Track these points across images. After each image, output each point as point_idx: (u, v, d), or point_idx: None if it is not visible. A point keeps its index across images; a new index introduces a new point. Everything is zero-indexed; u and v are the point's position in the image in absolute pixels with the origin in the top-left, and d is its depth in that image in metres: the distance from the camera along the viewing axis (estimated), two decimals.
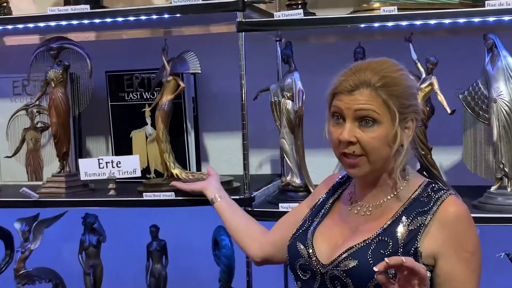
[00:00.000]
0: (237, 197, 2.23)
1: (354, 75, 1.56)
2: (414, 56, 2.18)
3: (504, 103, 2.05)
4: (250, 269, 2.29)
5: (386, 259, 1.32)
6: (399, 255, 1.49)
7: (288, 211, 2.18)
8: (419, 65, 2.17)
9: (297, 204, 2.18)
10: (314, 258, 1.63)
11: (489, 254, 2.23)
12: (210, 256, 2.47)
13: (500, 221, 2.02)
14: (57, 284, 2.73)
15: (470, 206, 2.10)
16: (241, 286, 2.36)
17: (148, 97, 2.67)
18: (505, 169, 2.08)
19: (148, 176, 2.68)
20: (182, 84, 2.35)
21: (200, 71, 2.35)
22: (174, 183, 2.31)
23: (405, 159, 1.59)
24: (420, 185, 1.64)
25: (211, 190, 2.17)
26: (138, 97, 2.69)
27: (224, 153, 2.89)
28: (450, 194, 1.59)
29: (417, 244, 1.53)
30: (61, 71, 2.43)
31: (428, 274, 1.50)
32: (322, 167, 2.64)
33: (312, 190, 2.24)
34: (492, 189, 2.11)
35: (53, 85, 2.43)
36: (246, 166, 2.26)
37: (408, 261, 1.33)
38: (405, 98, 1.56)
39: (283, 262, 1.88)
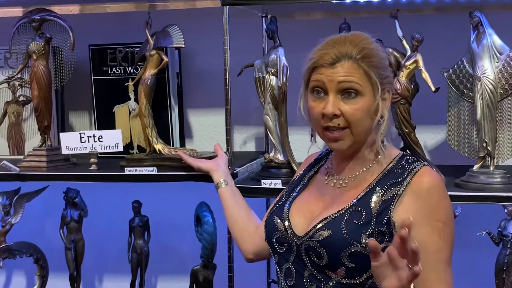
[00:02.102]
0: None
1: (334, 47, 1.57)
2: (400, 33, 2.17)
3: (489, 81, 2.05)
4: (231, 245, 2.28)
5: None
6: (372, 225, 1.53)
7: (270, 188, 2.18)
8: (404, 42, 2.16)
9: (280, 180, 2.19)
10: (290, 230, 1.64)
11: (471, 233, 2.25)
12: (192, 232, 2.47)
13: (482, 200, 2.02)
14: (38, 258, 2.73)
15: (453, 185, 2.11)
16: (222, 262, 2.36)
17: (132, 71, 2.64)
18: (488, 147, 2.07)
19: (131, 151, 2.66)
20: (165, 58, 2.33)
21: (183, 45, 2.32)
22: (180, 153, 2.28)
23: (386, 129, 1.61)
24: (395, 157, 1.65)
25: (219, 174, 2.13)
26: (122, 72, 2.66)
27: (208, 129, 2.87)
28: (424, 165, 1.61)
29: (390, 214, 1.54)
30: (43, 43, 2.40)
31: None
32: (306, 145, 2.63)
33: (294, 167, 2.23)
34: (475, 167, 2.11)
35: (34, 57, 2.40)
36: (229, 142, 2.24)
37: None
38: (382, 69, 1.59)
39: None
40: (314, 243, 1.56)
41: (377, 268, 1.38)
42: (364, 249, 1.51)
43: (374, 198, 1.56)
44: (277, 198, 1.81)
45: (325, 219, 1.58)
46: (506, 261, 2.25)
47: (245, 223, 2.02)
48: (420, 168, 1.59)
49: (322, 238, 1.55)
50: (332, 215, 1.57)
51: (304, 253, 1.59)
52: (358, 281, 1.55)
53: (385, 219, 1.53)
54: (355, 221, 1.54)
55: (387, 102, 1.61)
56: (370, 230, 1.52)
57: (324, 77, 1.56)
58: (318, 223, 1.58)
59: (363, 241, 1.48)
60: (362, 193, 1.59)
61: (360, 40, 1.58)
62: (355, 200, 1.58)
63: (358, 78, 1.54)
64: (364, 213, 1.55)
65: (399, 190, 1.55)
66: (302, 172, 1.83)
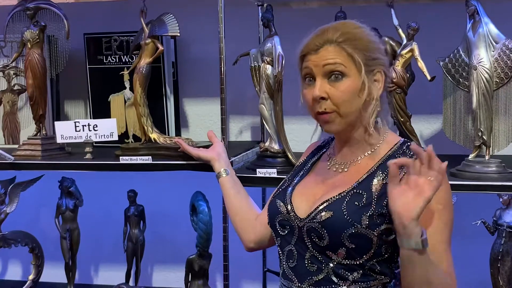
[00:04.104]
0: None
1: (318, 36, 1.63)
2: (396, 21, 2.16)
3: (484, 70, 2.04)
4: (227, 235, 2.28)
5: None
6: (373, 207, 1.57)
7: (265, 177, 2.18)
8: (400, 31, 2.15)
9: (275, 170, 2.18)
10: (293, 213, 1.68)
11: (466, 222, 2.25)
12: (188, 221, 2.46)
13: (477, 189, 2.02)
14: (33, 247, 2.73)
15: (448, 174, 2.10)
16: (218, 251, 2.36)
17: (127, 60, 2.63)
18: (484, 137, 2.07)
19: (126, 140, 2.66)
20: (160, 47, 2.32)
21: (179, 34, 2.31)
22: (180, 141, 2.26)
23: (376, 110, 1.65)
24: (395, 144, 1.69)
25: (220, 163, 2.12)
26: (117, 60, 2.65)
27: (203, 118, 2.87)
28: (425, 150, 1.61)
29: None
30: (37, 32, 2.38)
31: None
32: (302, 134, 2.63)
33: (290, 156, 2.23)
34: (470, 157, 2.11)
35: (29, 46, 2.39)
36: (224, 130, 2.24)
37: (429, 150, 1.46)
38: (369, 51, 1.62)
39: (274, 244, 1.85)
40: (316, 224, 1.60)
41: (394, 189, 1.47)
42: (364, 230, 1.56)
43: (375, 181, 1.61)
44: (280, 183, 1.83)
45: (326, 201, 1.62)
46: (501, 250, 2.26)
47: (246, 212, 2.03)
48: None
49: (323, 219, 1.59)
50: (334, 197, 1.62)
51: (305, 234, 1.63)
52: (358, 262, 1.59)
53: (385, 201, 1.55)
54: (356, 202, 1.58)
55: (380, 83, 1.65)
56: (371, 212, 1.56)
57: (310, 63, 1.63)
58: (320, 205, 1.62)
59: (365, 222, 1.54)
60: (363, 177, 1.64)
61: (344, 26, 1.64)
62: (356, 183, 1.63)
63: (342, 60, 1.60)
64: (365, 195, 1.59)
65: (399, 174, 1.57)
66: (304, 158, 1.88)
